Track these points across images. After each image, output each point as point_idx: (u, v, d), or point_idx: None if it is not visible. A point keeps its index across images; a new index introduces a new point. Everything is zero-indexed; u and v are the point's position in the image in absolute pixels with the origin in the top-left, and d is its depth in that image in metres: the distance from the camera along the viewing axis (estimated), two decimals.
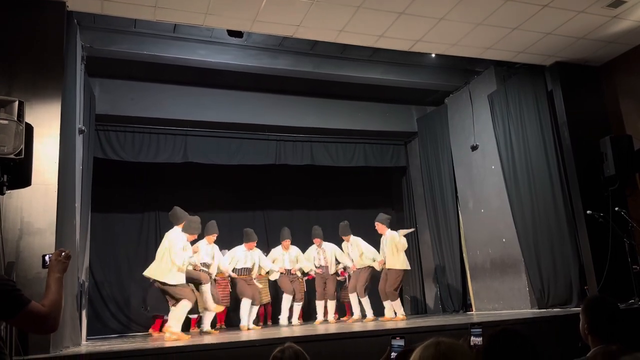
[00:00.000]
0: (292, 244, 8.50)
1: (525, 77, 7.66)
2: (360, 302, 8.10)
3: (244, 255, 7.85)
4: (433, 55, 7.56)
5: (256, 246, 8.03)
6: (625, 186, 6.88)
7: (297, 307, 8.37)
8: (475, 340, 2.14)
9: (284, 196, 10.24)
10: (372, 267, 8.02)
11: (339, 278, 8.99)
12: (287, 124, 9.00)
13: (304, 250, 8.62)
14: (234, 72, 7.78)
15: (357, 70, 8.02)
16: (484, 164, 8.25)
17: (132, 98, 8.00)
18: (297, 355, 2.20)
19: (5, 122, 3.93)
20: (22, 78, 4.79)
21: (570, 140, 7.04)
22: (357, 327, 6.43)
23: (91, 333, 7.56)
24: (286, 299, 8.24)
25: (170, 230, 6.45)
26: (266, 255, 8.26)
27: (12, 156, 3.91)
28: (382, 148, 10.27)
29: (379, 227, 7.94)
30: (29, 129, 4.16)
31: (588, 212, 6.59)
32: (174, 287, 6.16)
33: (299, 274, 8.48)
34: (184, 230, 6.47)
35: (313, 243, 8.61)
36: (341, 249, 8.47)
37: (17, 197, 4.41)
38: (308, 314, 9.34)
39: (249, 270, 7.84)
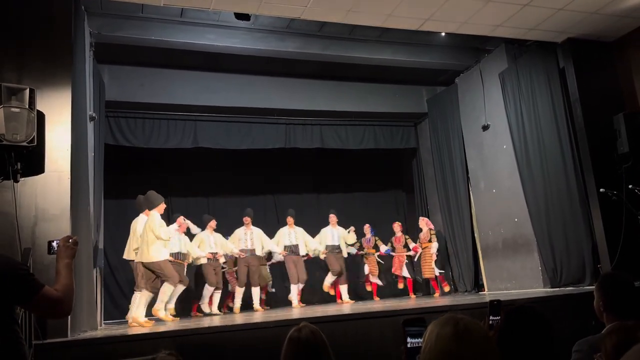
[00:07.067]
0: (301, 226, 8.53)
1: (537, 55, 7.55)
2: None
3: (243, 234, 7.94)
4: (443, 34, 7.47)
5: (265, 230, 8.06)
6: (639, 163, 6.79)
7: (295, 289, 8.22)
8: (494, 318, 2.13)
9: (294, 179, 10.24)
10: None
11: (409, 253, 8.99)
12: (296, 107, 8.99)
13: (312, 232, 8.64)
14: (242, 56, 7.76)
15: (365, 51, 7.96)
16: (495, 143, 8.18)
17: (141, 84, 8.02)
18: (314, 334, 2.21)
19: (17, 110, 3.95)
20: (31, 66, 4.79)
21: (583, 117, 6.93)
22: (372, 307, 6.45)
23: (107, 317, 7.67)
24: (292, 282, 8.22)
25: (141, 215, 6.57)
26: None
27: (24, 144, 3.93)
28: (392, 130, 10.22)
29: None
30: (41, 117, 4.17)
31: (601, 190, 6.51)
32: (158, 264, 6.22)
33: (316, 254, 8.45)
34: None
35: (322, 226, 8.67)
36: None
37: (31, 184, 4.44)
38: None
39: (252, 252, 7.87)
